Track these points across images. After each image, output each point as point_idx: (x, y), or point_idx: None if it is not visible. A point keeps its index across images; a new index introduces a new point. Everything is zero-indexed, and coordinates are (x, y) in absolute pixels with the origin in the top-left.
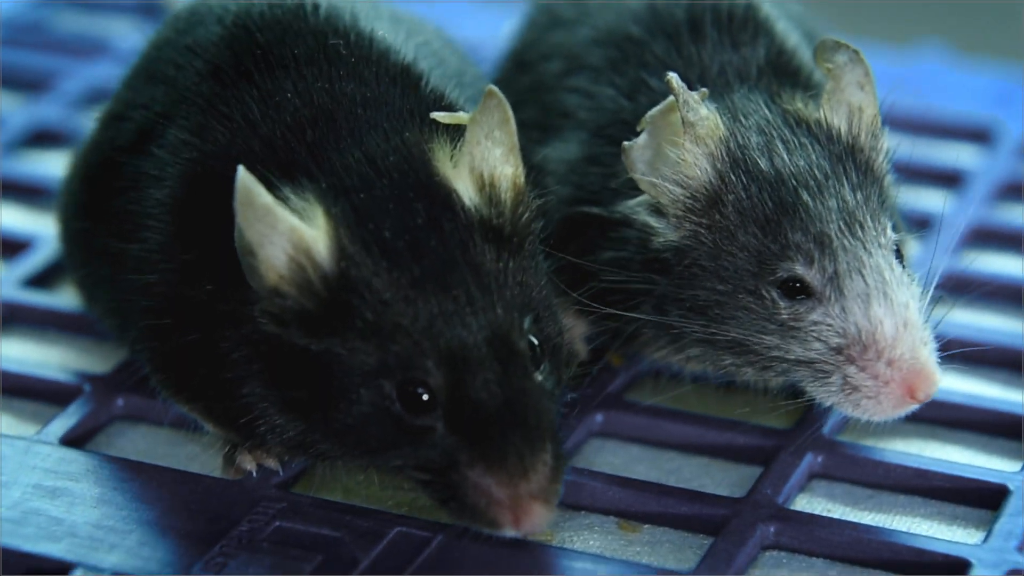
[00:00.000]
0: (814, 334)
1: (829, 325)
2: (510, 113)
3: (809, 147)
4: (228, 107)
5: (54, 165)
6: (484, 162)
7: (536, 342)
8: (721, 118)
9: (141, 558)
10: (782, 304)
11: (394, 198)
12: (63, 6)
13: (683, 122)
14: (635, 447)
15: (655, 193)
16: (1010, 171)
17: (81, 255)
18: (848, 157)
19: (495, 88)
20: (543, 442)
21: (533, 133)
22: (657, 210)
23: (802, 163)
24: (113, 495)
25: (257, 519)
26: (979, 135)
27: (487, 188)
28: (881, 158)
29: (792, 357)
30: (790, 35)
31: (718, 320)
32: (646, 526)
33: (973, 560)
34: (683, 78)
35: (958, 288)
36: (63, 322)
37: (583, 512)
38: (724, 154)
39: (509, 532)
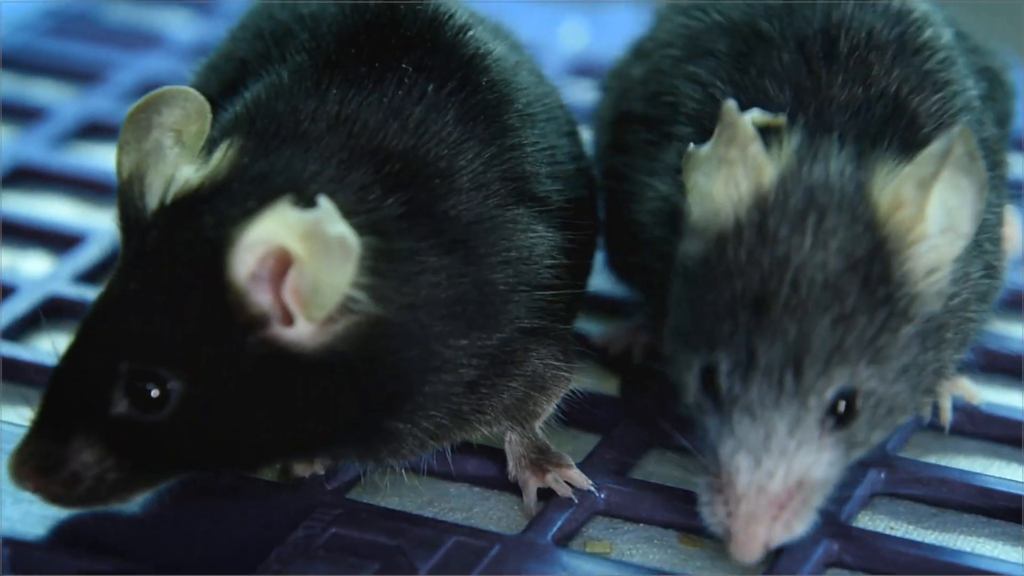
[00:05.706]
0: (707, 434)
1: (714, 439)
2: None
3: (831, 240)
4: (297, 84)
5: (106, 158)
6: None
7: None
8: (773, 166)
9: (195, 564)
10: (693, 385)
11: None
12: None
13: (726, 155)
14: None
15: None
16: None
17: None
18: (870, 264)
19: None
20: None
21: (639, 131)
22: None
23: (804, 262)
24: (167, 500)
25: (313, 526)
26: None
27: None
28: (918, 273)
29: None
30: (946, 68)
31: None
32: (707, 540)
33: None
34: (799, 101)
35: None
36: None
37: (642, 525)
38: (749, 209)
39: None
